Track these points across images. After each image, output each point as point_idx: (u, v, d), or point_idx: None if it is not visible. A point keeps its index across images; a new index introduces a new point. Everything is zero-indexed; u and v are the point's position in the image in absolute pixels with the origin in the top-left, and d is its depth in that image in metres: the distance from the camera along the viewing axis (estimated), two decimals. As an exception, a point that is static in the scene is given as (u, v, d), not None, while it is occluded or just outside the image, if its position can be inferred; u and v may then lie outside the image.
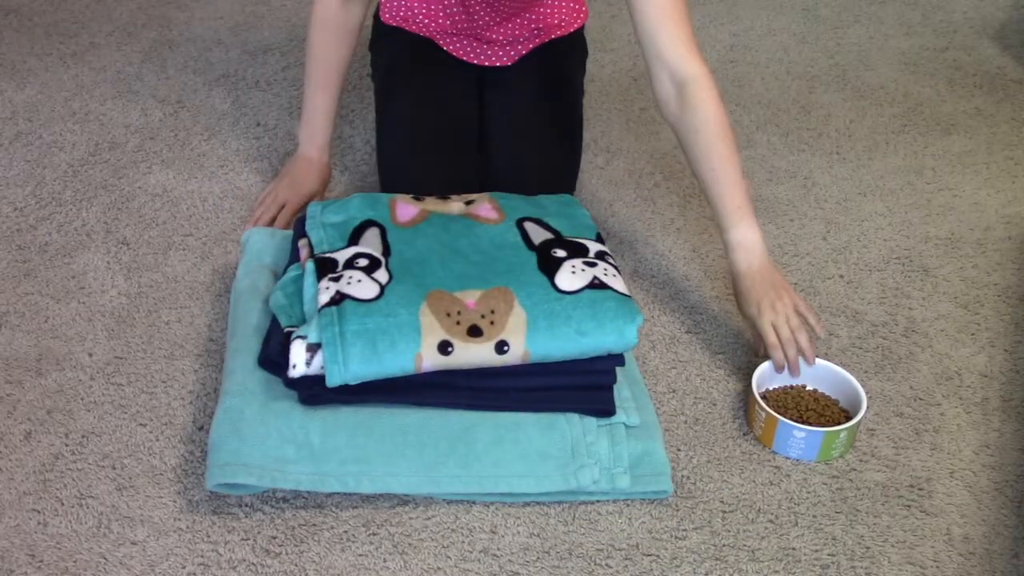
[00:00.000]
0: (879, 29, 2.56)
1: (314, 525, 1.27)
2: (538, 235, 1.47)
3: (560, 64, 1.84)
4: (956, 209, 1.91)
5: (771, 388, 1.47)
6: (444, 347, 1.29)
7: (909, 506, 1.34)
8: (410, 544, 1.26)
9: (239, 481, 1.24)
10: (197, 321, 1.57)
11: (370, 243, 1.42)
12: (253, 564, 1.23)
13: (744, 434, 1.42)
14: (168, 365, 1.49)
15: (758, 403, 1.39)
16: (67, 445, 1.36)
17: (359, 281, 1.34)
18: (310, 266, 1.38)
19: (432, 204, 1.52)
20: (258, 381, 1.34)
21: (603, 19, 2.47)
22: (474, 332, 1.30)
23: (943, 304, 1.68)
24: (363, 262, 1.38)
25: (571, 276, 1.37)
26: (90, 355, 1.51)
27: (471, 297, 1.33)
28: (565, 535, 1.28)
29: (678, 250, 1.78)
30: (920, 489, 1.36)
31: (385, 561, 1.24)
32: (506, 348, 1.30)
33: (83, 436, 1.38)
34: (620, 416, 1.35)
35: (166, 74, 2.22)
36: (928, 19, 2.61)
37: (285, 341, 1.33)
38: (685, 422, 1.45)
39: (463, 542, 1.27)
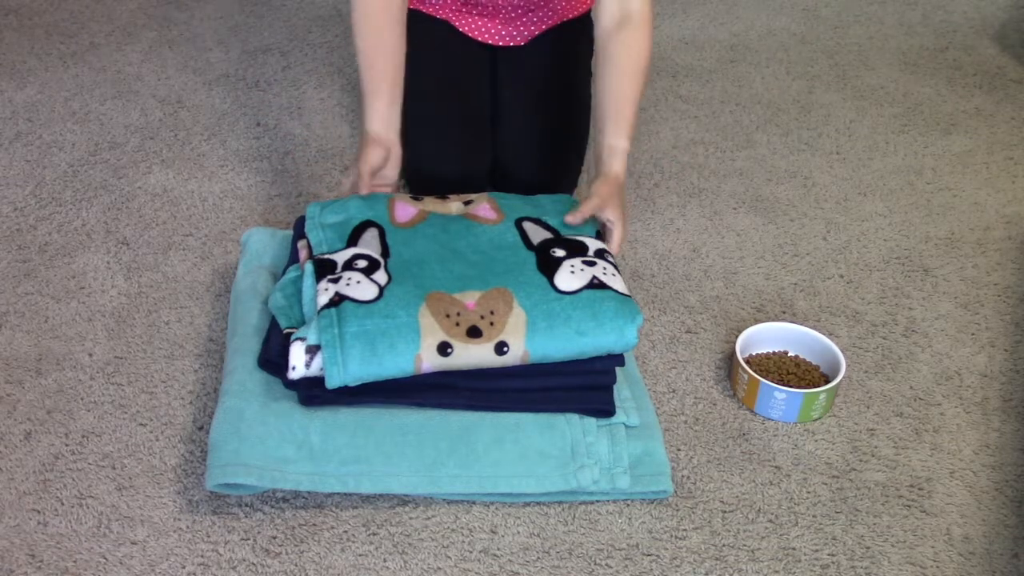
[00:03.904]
0: (879, 29, 2.56)
1: (314, 525, 1.27)
2: (537, 235, 1.47)
3: (571, 44, 1.87)
4: (956, 209, 1.91)
5: (755, 353, 1.53)
6: (444, 348, 1.29)
7: (909, 506, 1.34)
8: (410, 544, 1.26)
9: (239, 481, 1.24)
10: (197, 321, 1.57)
11: (369, 244, 1.42)
12: (253, 564, 1.23)
13: (744, 434, 1.43)
14: (168, 365, 1.49)
15: (741, 366, 1.44)
16: (67, 445, 1.36)
17: (358, 282, 1.34)
18: (309, 267, 1.38)
19: (431, 204, 1.52)
20: (258, 381, 1.33)
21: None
22: (474, 333, 1.30)
23: (943, 304, 1.68)
24: (362, 263, 1.37)
25: (570, 276, 1.37)
26: (90, 355, 1.51)
27: (470, 298, 1.33)
28: (565, 535, 1.28)
29: (678, 250, 1.78)
30: (920, 489, 1.36)
31: (385, 561, 1.24)
32: (506, 349, 1.30)
33: (83, 436, 1.38)
34: (620, 416, 1.35)
35: (166, 74, 2.22)
36: (928, 19, 2.61)
37: (284, 342, 1.33)
38: (685, 422, 1.45)
39: (463, 542, 1.27)
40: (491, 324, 1.31)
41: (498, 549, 1.26)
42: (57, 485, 1.31)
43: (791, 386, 1.46)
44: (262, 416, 1.29)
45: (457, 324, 1.30)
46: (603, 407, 1.34)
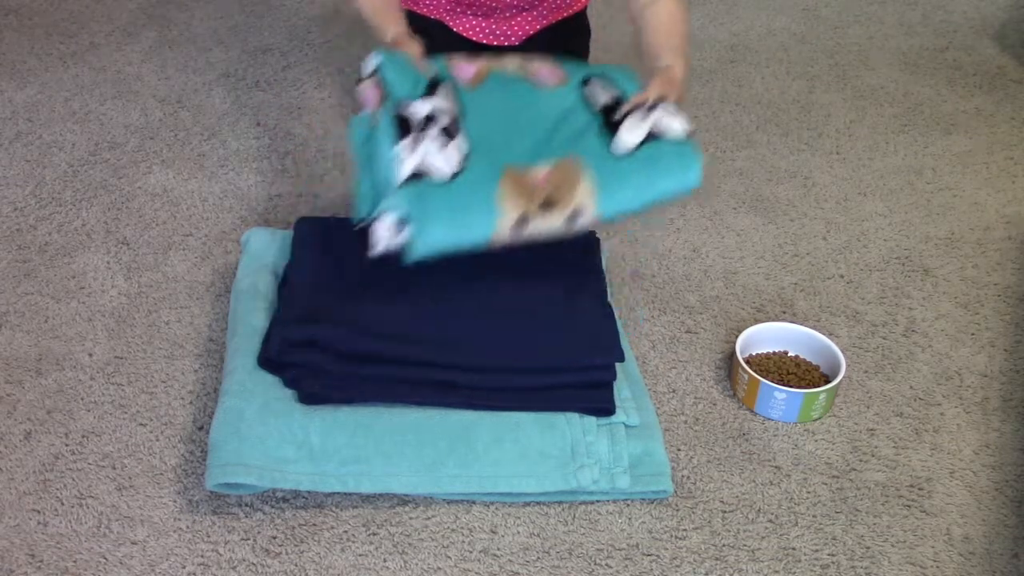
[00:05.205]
0: (879, 29, 2.56)
1: (314, 525, 1.27)
2: (600, 96, 1.49)
3: (566, 43, 1.87)
4: (956, 209, 1.91)
5: (755, 353, 1.53)
6: (521, 221, 1.33)
7: (909, 506, 1.34)
8: (410, 544, 1.26)
9: (239, 481, 1.24)
10: (197, 321, 1.57)
11: (447, 97, 1.43)
12: (253, 564, 1.23)
13: (744, 434, 1.43)
14: (168, 365, 1.49)
15: (741, 366, 1.45)
16: (67, 445, 1.37)
17: (440, 148, 1.36)
18: (386, 124, 1.38)
19: (488, 62, 1.53)
20: (258, 381, 1.34)
21: (602, 19, 2.47)
22: (547, 205, 1.34)
23: (943, 304, 1.68)
24: (445, 120, 1.39)
25: (631, 132, 1.41)
26: (90, 355, 1.51)
27: (542, 170, 1.37)
28: (565, 535, 1.28)
29: (678, 250, 1.78)
30: (920, 489, 1.36)
31: (385, 561, 1.24)
32: (578, 217, 1.35)
33: (83, 436, 1.38)
34: (620, 416, 1.35)
35: (166, 74, 2.23)
36: (928, 19, 2.61)
37: (361, 228, 1.36)
38: (685, 422, 1.45)
39: (463, 542, 1.27)
40: (563, 194, 1.35)
41: (498, 549, 1.26)
42: (57, 485, 1.31)
43: (791, 386, 1.46)
44: (262, 416, 1.29)
45: (531, 197, 1.34)
46: (603, 405, 1.34)
